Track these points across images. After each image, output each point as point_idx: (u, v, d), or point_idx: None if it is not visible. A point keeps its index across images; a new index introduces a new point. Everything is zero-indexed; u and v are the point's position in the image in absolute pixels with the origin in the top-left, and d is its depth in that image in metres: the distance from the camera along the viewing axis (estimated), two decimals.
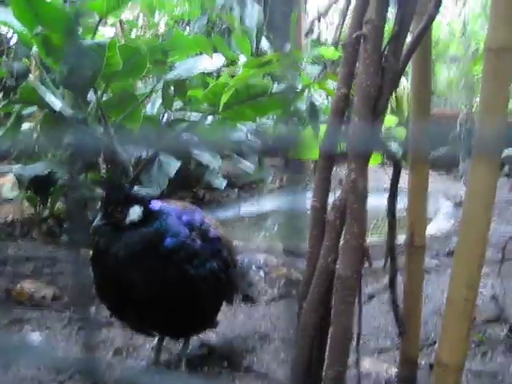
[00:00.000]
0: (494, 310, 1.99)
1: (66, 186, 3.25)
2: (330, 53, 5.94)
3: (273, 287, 2.58)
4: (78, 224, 3.32)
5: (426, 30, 1.13)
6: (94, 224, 1.51)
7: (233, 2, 5.93)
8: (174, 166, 3.58)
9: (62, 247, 3.01)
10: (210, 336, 1.97)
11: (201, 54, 3.28)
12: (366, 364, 1.72)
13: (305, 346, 1.09)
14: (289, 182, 5.49)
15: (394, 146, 2.53)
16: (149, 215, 1.52)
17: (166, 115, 3.90)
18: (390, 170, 1.22)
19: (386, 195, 1.18)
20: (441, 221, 3.65)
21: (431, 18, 1.11)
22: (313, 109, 2.55)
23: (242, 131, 3.97)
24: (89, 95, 3.01)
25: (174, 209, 1.60)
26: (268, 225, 4.46)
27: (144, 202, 1.54)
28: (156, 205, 1.56)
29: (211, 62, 3.14)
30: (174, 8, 4.01)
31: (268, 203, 4.69)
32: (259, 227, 4.30)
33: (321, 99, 3.93)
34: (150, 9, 3.72)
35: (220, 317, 1.83)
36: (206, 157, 3.78)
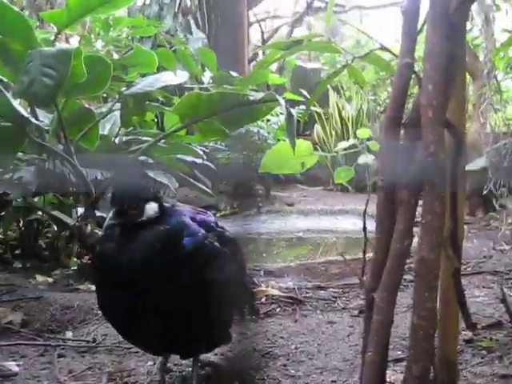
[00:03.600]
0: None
1: (20, 209, 3.02)
2: (277, 78, 5.91)
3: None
4: (33, 250, 3.13)
5: None
6: (106, 223, 1.32)
7: (177, 27, 5.88)
8: None
9: (16, 274, 2.81)
10: (207, 355, 1.81)
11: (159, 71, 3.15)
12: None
13: (383, 343, 0.97)
14: (241, 207, 5.40)
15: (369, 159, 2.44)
16: (163, 213, 1.37)
17: (118, 136, 3.73)
18: None
19: None
20: None
21: None
22: (290, 118, 2.42)
23: (199, 154, 3.82)
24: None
25: (186, 209, 1.45)
26: None
27: (159, 198, 1.38)
28: (168, 203, 1.41)
29: (174, 77, 3.01)
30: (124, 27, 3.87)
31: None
32: None
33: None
34: (104, 26, 3.57)
35: None
36: (164, 178, 3.61)
